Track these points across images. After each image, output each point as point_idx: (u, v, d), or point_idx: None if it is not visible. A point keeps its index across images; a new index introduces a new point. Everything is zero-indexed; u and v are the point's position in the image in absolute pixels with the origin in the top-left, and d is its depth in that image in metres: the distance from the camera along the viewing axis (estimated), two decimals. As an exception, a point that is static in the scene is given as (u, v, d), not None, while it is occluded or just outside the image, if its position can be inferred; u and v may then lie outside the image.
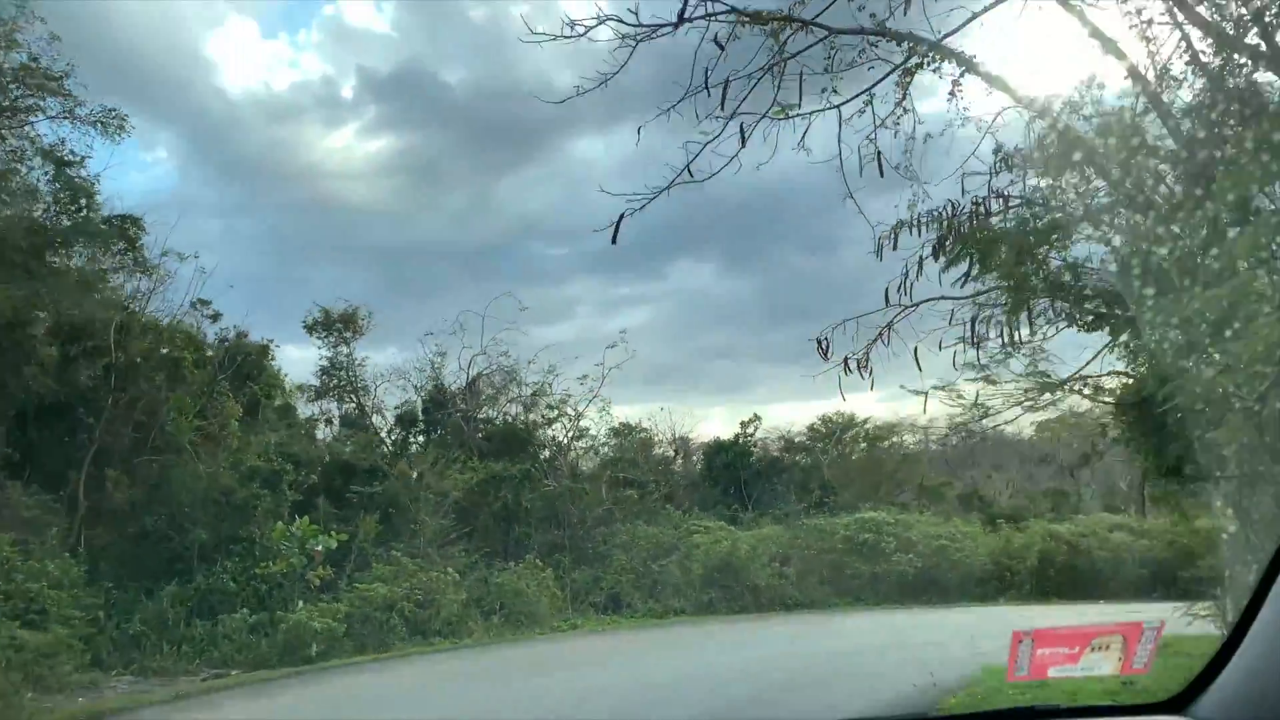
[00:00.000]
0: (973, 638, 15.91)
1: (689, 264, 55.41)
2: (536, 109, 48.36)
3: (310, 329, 32.86)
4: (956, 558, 29.95)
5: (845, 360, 14.08)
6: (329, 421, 33.22)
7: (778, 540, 30.02)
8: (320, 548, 18.26)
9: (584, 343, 60.09)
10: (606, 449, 35.22)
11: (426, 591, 20.07)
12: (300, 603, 18.10)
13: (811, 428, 46.61)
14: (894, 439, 47.15)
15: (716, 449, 42.17)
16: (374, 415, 33.95)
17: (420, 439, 33.69)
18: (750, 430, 42.89)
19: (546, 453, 33.41)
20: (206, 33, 46.92)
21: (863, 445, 46.97)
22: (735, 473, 40.59)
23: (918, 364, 13.65)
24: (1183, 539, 32.89)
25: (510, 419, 32.19)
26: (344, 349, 33.57)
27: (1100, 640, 2.34)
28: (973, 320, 14.33)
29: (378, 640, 18.82)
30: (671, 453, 42.48)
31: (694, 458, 43.72)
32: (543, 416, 32.29)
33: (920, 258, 13.73)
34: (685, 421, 42.47)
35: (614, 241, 12.22)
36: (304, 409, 31.89)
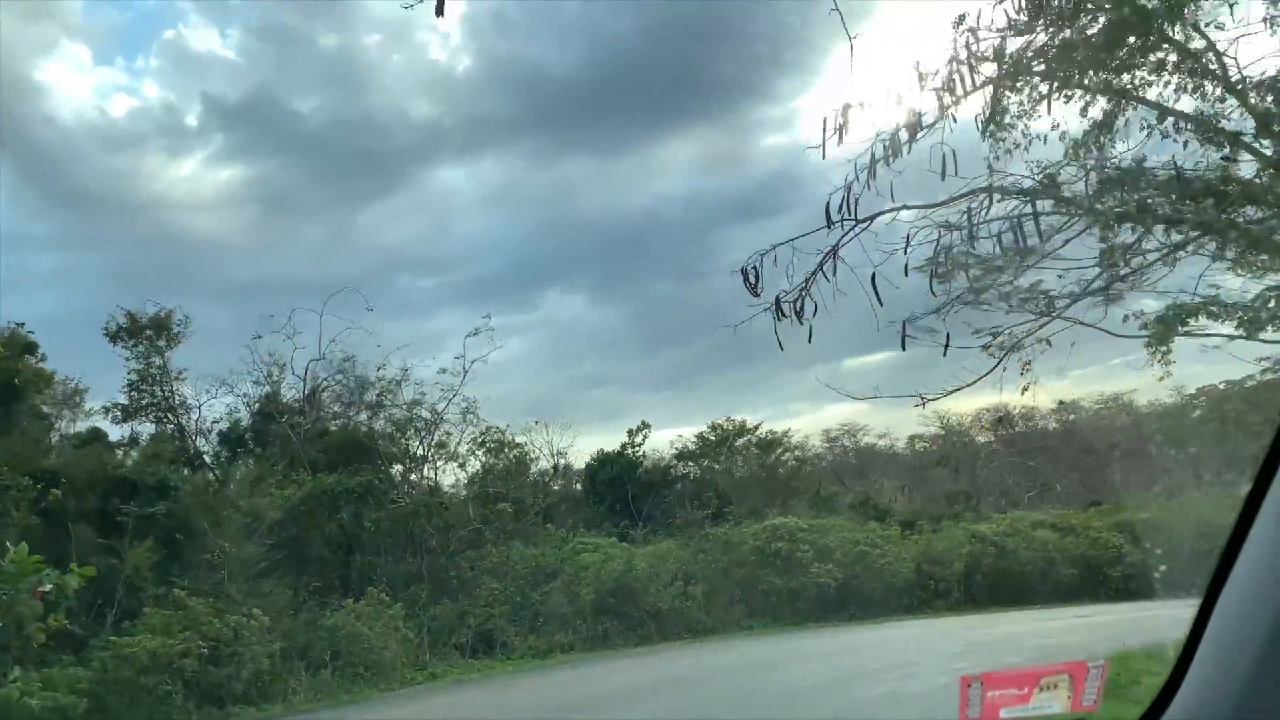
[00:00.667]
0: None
1: (559, 294, 54.10)
2: (395, 138, 47.87)
3: (114, 337, 26.58)
4: (879, 566, 26.13)
5: (777, 302, 9.79)
6: (134, 442, 26.88)
7: (678, 556, 25.40)
8: (47, 587, 12.42)
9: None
10: (474, 460, 29.93)
11: (222, 642, 14.44)
12: (15, 670, 12.24)
13: (701, 436, 42.67)
14: (785, 446, 43.72)
15: (601, 461, 37.80)
16: (196, 437, 27.86)
17: (250, 461, 27.72)
18: (638, 440, 38.51)
19: (399, 467, 28.02)
20: (36, 58, 42.77)
21: (756, 453, 43.37)
22: (623, 486, 36.33)
23: (876, 295, 9.37)
24: (1107, 535, 30.61)
25: (351, 426, 26.60)
26: (156, 360, 27.46)
27: (1048, 680, 2.31)
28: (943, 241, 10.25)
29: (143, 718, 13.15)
30: (550, 468, 37.80)
31: (574, 476, 39.23)
32: (391, 422, 26.85)
33: (875, 156, 9.56)
34: (564, 437, 37.80)
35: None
36: (113, 431, 25.70)
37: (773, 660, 18.49)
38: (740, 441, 43.82)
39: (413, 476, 27.36)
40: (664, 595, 22.73)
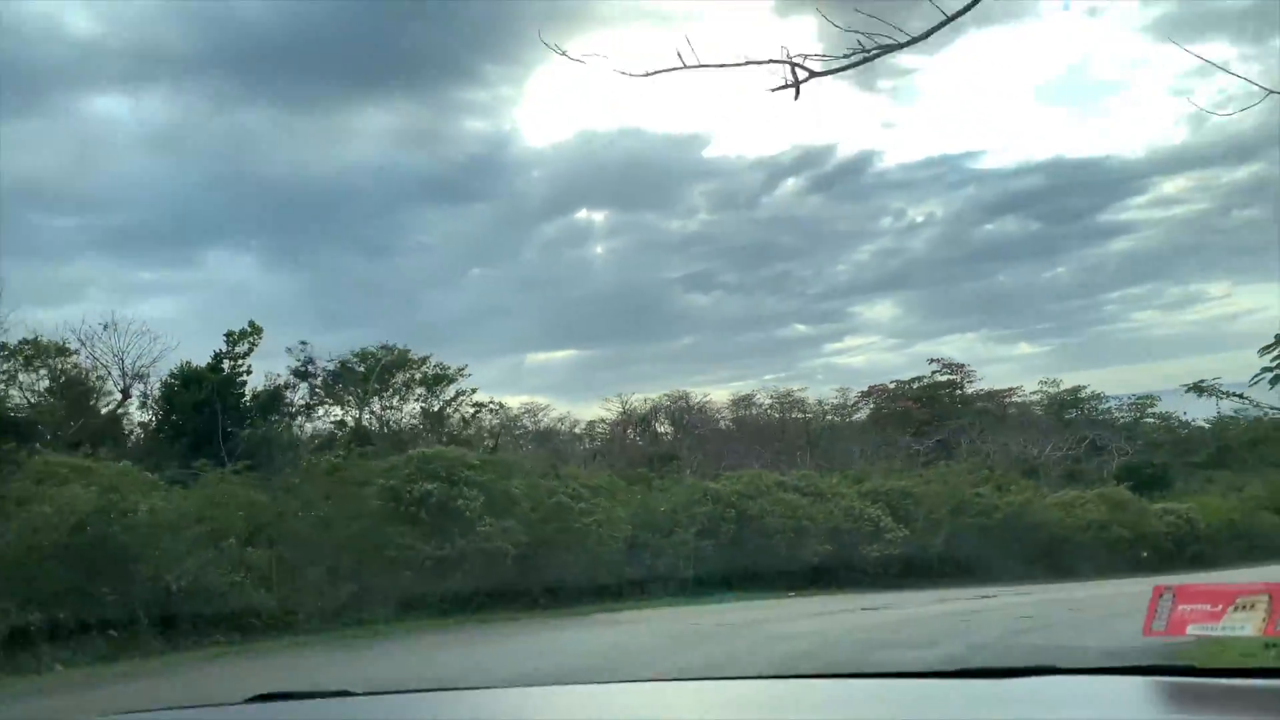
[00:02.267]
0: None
1: (227, 254, 49.17)
2: (43, 50, 41.07)
3: None
4: (581, 526, 17.10)
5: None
6: None
7: (242, 503, 14.60)
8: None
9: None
10: None
11: None
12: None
13: (343, 364, 31.50)
14: (459, 389, 33.79)
15: (185, 380, 26.03)
16: None
17: None
18: (241, 350, 26.72)
19: None
20: None
21: (420, 391, 32.85)
22: (210, 415, 24.87)
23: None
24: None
25: None
26: None
27: (1245, 599, 2.06)
28: None
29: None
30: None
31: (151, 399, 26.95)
32: None
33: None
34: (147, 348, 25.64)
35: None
36: None
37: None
38: (401, 377, 33.04)
39: None
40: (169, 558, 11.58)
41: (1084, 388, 68.95)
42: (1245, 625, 2.09)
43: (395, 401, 32.27)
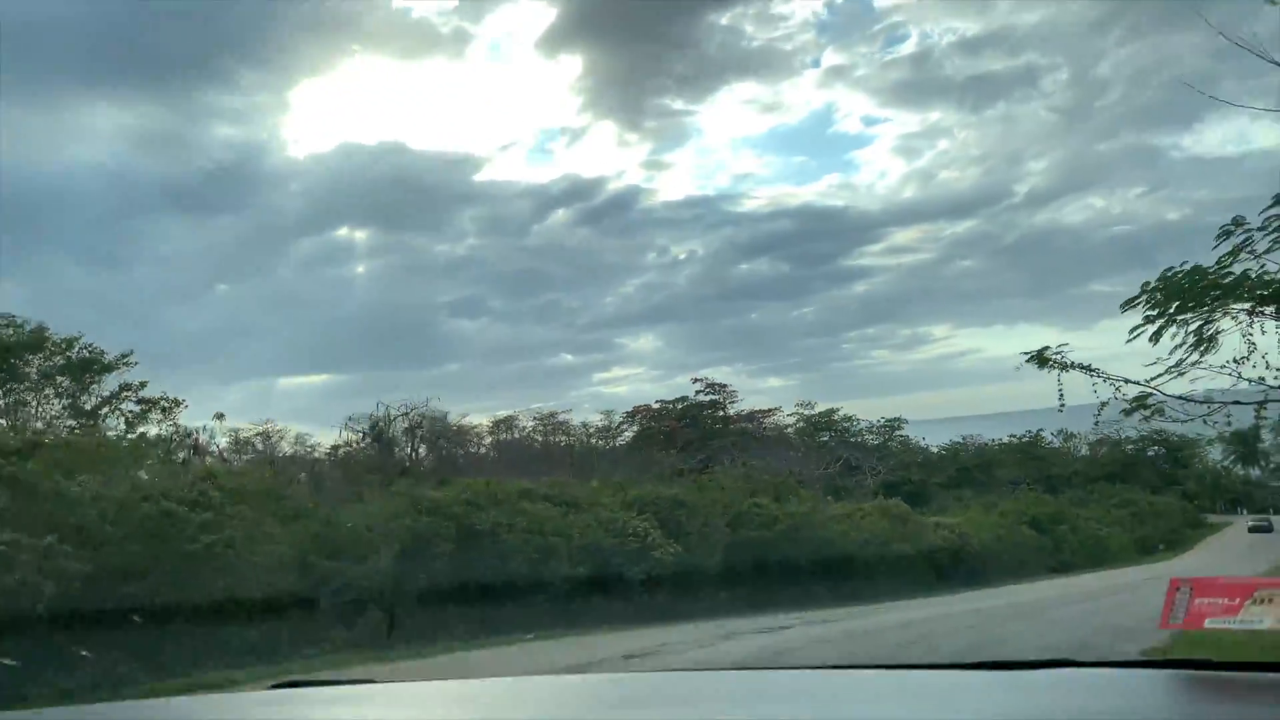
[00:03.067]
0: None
1: None
2: None
3: None
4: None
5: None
6: None
7: None
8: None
9: None
10: None
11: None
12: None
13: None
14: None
15: None
16: None
17: None
18: None
19: None
20: None
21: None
22: None
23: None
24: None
25: None
26: None
27: (1264, 593, 2.06)
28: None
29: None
30: None
31: None
32: None
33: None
34: None
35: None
36: None
37: None
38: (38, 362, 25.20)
39: None
40: None
41: (837, 409, 69.73)
42: (1264, 619, 2.06)
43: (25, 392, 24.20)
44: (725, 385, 66.27)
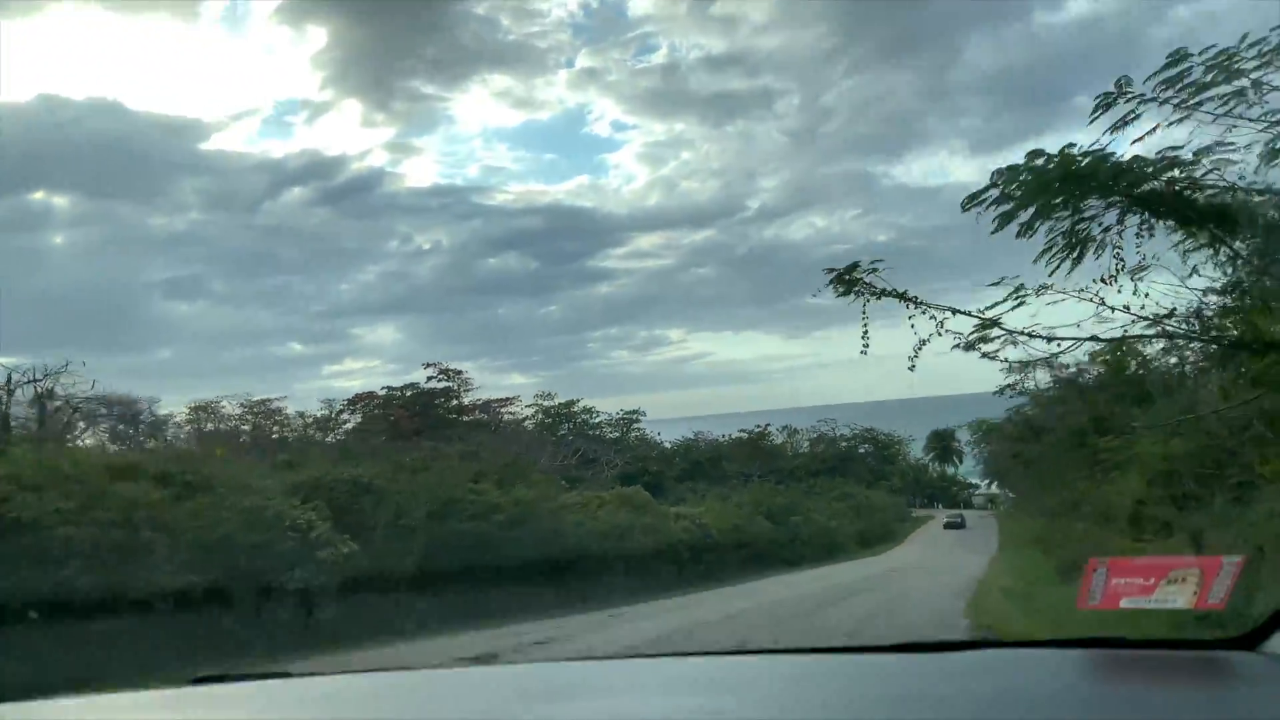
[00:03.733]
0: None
1: None
2: None
3: None
4: None
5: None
6: None
7: None
8: None
9: None
10: None
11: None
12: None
13: None
14: None
15: None
16: None
17: None
18: None
19: None
20: None
21: None
22: None
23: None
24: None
25: None
26: None
27: (1177, 573, 2.10)
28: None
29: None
30: None
31: None
32: None
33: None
34: None
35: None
36: None
37: None
38: None
39: None
40: None
41: (577, 401, 66.93)
42: (1177, 598, 2.11)
43: None
44: (460, 372, 60.65)
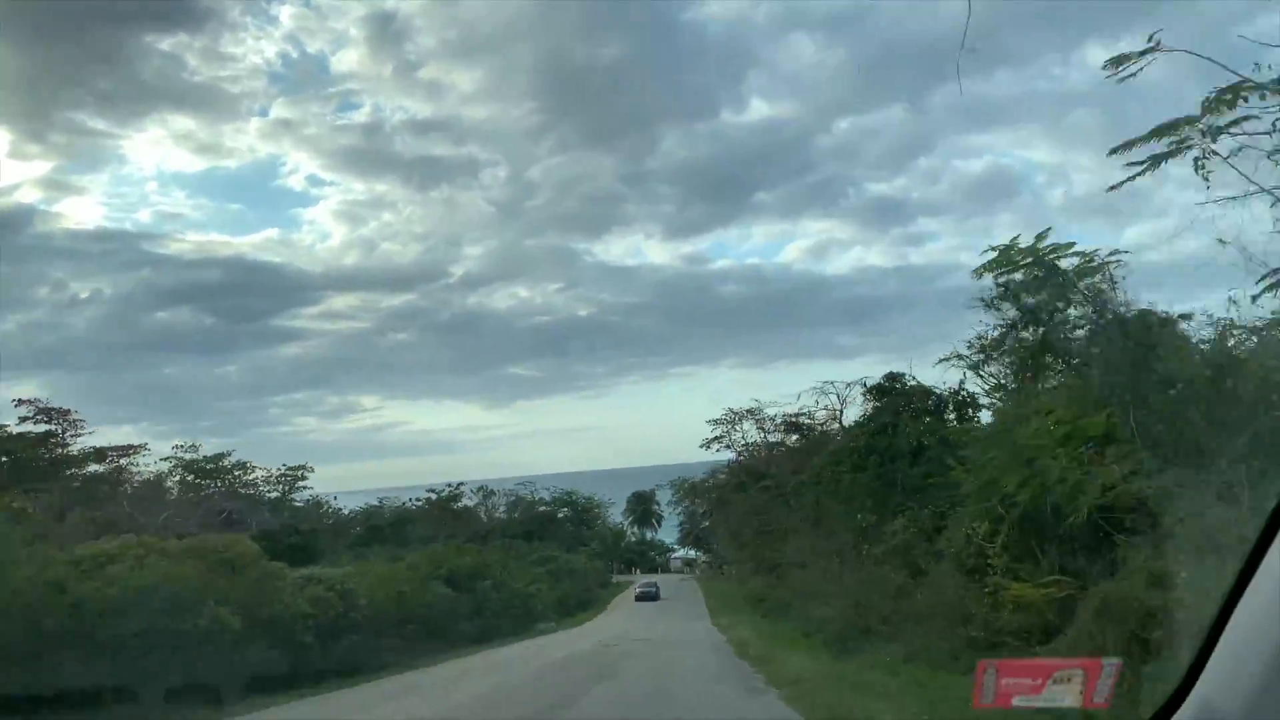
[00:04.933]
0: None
1: None
2: None
3: None
4: None
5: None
6: None
7: None
8: None
9: None
10: None
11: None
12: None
13: None
14: None
15: None
16: None
17: None
18: None
19: None
20: None
21: None
22: None
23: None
24: None
25: None
26: None
27: (1062, 673, 2.25)
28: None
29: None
30: None
31: None
32: None
33: None
34: None
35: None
36: None
37: None
38: None
39: None
40: None
41: (228, 454, 54.72)
42: (1065, 697, 2.20)
43: None
44: (68, 412, 46.41)
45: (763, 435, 42.99)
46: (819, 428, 33.13)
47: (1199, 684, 2.06)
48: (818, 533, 21.65)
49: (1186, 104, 9.43)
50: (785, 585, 26.88)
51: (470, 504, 72.31)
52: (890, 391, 20.97)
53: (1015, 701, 2.22)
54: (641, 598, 50.44)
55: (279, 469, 59.61)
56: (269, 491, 57.54)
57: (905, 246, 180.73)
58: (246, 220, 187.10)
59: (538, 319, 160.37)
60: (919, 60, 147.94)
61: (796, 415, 35.98)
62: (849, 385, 32.77)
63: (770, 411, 41.13)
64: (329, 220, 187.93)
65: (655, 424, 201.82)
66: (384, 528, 60.44)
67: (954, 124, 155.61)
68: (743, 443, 43.07)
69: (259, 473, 57.91)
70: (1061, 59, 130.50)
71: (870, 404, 21.75)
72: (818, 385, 33.21)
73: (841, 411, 32.78)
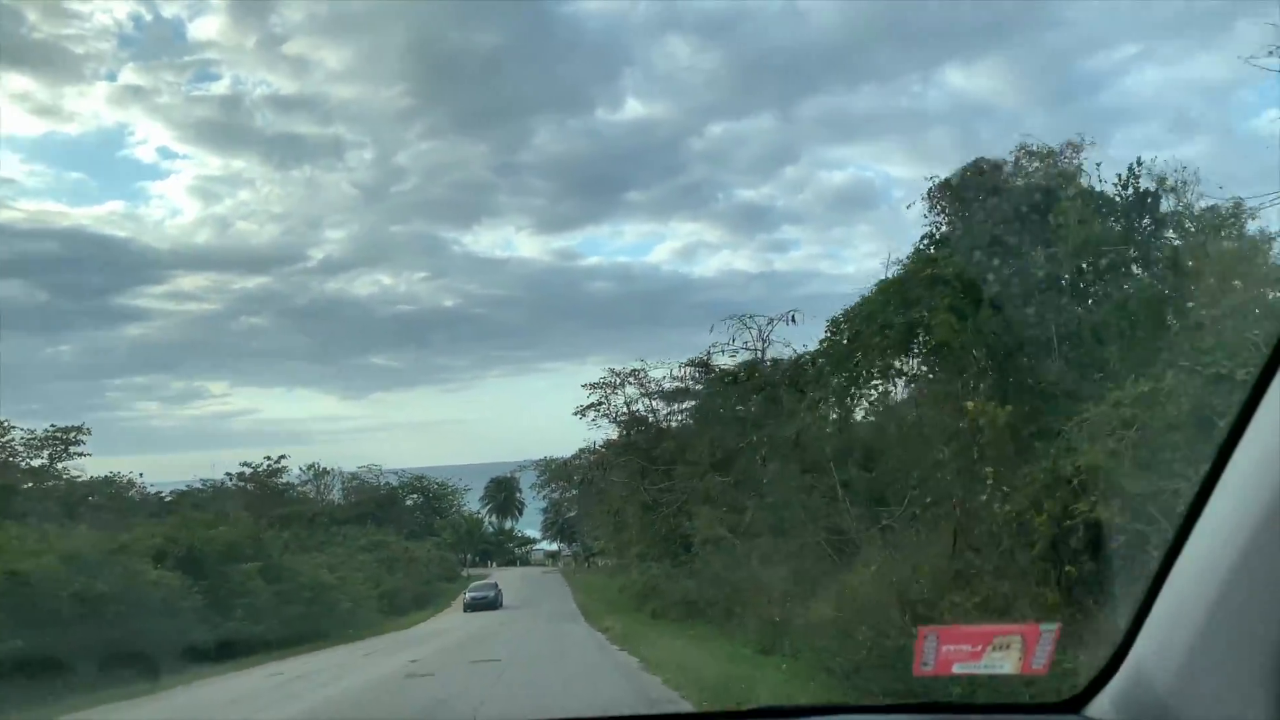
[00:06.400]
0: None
1: None
2: None
3: None
4: None
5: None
6: None
7: None
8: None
9: None
10: None
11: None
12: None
13: None
14: None
15: None
16: None
17: None
18: None
19: None
20: None
21: None
22: None
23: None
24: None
25: None
26: None
27: (1001, 639, 2.24)
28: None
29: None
30: None
31: None
32: None
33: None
34: None
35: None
36: None
37: None
38: None
39: None
40: None
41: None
42: (1004, 663, 2.18)
43: None
44: None
45: (649, 401, 34.30)
46: (741, 372, 24.69)
47: (1130, 653, 1.96)
48: (787, 480, 13.24)
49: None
50: (700, 576, 18.29)
51: (297, 483, 61.03)
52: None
53: (955, 669, 2.20)
54: (474, 607, 36.12)
55: (45, 430, 46.59)
56: (29, 458, 45.01)
57: (770, 253, 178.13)
58: (88, 190, 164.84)
59: (400, 308, 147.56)
60: (789, 69, 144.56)
61: (706, 357, 27.42)
62: (771, 321, 24.80)
63: (656, 374, 32.64)
64: (180, 195, 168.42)
65: (521, 419, 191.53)
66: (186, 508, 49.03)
67: (820, 135, 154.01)
68: (625, 412, 34.19)
69: (16, 434, 44.89)
70: (922, 78, 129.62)
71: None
72: (731, 318, 25.10)
73: (764, 349, 24.64)
